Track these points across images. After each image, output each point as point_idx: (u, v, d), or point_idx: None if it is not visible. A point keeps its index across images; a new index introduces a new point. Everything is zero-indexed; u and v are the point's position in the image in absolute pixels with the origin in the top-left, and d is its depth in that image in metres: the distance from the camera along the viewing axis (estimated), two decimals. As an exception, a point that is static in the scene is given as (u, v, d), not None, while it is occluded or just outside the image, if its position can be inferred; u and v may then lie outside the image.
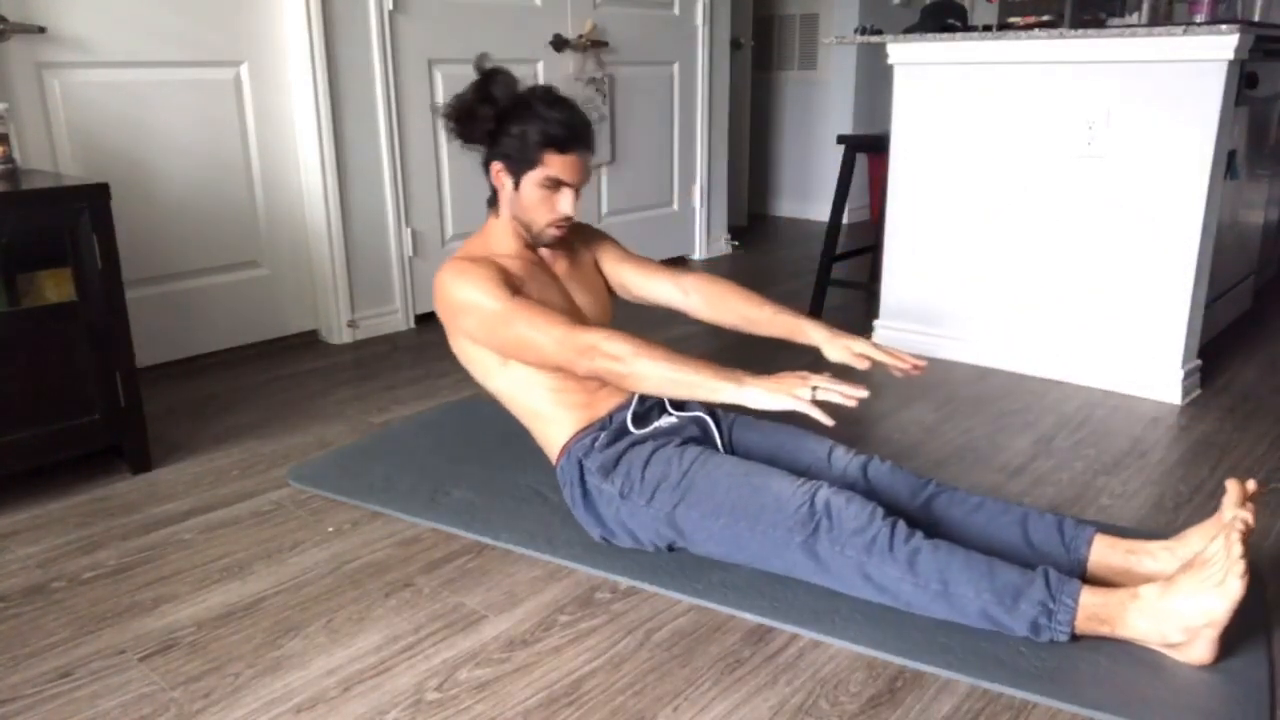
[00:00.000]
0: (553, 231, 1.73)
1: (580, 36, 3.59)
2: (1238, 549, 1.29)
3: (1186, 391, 2.48)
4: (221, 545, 1.77)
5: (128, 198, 2.64)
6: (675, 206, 4.22)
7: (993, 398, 2.52)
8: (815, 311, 3.40)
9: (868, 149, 3.34)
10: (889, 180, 2.88)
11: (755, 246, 4.68)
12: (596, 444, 1.70)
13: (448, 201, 3.31)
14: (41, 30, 2.40)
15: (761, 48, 5.41)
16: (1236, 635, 1.44)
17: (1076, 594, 1.38)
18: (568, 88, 3.57)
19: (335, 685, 1.37)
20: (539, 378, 1.73)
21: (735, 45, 4.78)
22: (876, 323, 2.99)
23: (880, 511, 1.49)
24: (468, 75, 1.73)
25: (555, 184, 1.68)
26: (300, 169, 2.98)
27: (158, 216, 2.71)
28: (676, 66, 4.06)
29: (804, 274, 4.01)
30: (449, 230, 3.34)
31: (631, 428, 1.74)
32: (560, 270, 1.84)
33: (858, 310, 3.44)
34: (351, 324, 3.09)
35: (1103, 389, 2.57)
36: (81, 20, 2.48)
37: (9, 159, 2.01)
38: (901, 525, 1.48)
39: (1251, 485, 1.44)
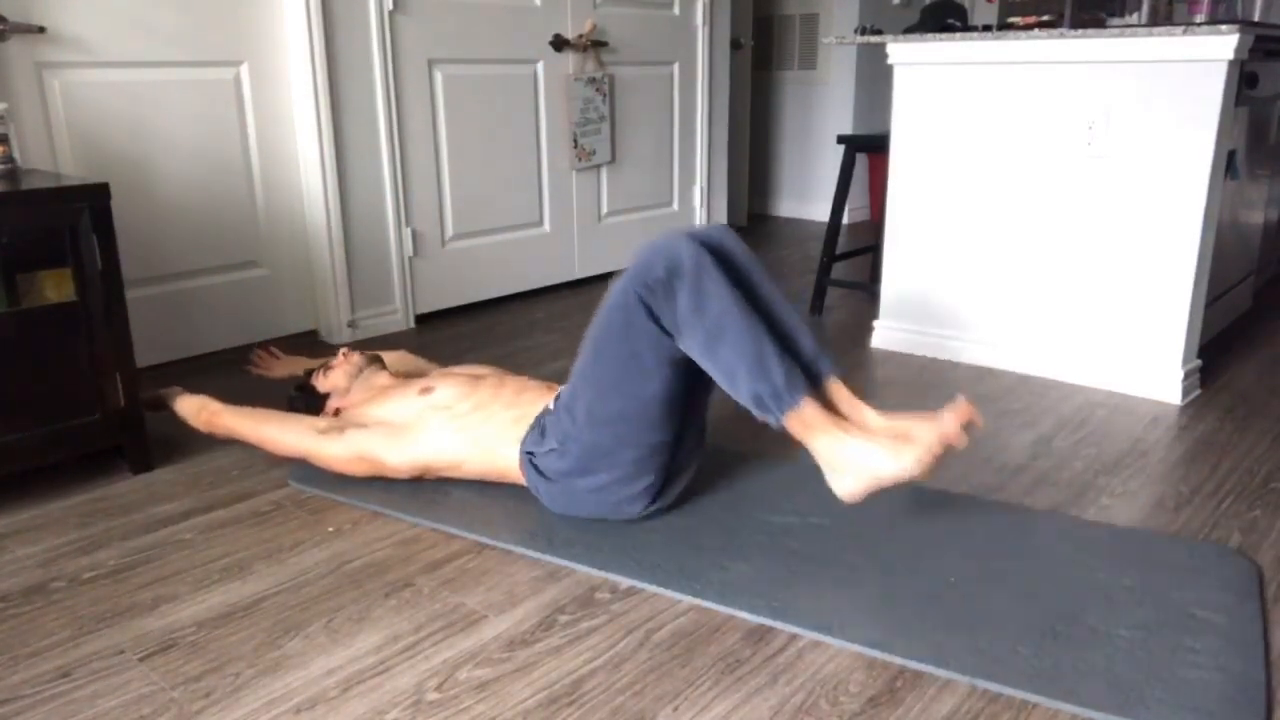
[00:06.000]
0: (344, 370, 2.18)
1: (580, 36, 3.59)
2: (933, 441, 1.53)
3: (1186, 391, 2.48)
4: (221, 545, 1.77)
5: (128, 198, 2.64)
6: (675, 206, 4.22)
7: (993, 398, 2.52)
8: (816, 311, 3.40)
9: (868, 149, 3.35)
10: (889, 180, 2.88)
11: (755, 246, 4.68)
12: (533, 440, 1.82)
13: (448, 201, 3.31)
14: (41, 30, 2.40)
15: (761, 48, 5.41)
16: (1236, 635, 1.45)
17: (802, 397, 1.60)
18: (568, 88, 3.58)
19: (335, 685, 1.37)
20: (446, 413, 1.91)
21: (735, 45, 4.78)
22: (876, 323, 2.99)
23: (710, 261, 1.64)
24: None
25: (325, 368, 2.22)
26: (300, 169, 2.98)
27: (158, 216, 2.71)
28: (676, 66, 4.06)
29: (804, 274, 4.01)
30: (449, 230, 3.34)
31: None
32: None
33: (858, 310, 3.44)
34: (351, 324, 3.09)
35: (1103, 389, 2.57)
36: (81, 20, 2.48)
37: (9, 159, 2.01)
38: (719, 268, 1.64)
39: (977, 419, 1.58)
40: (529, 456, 1.82)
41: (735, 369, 1.59)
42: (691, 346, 1.62)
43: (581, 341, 1.75)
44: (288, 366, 2.51)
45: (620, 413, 1.70)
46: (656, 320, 1.63)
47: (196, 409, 2.12)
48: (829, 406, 1.69)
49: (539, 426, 1.82)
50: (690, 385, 1.73)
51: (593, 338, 1.72)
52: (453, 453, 1.88)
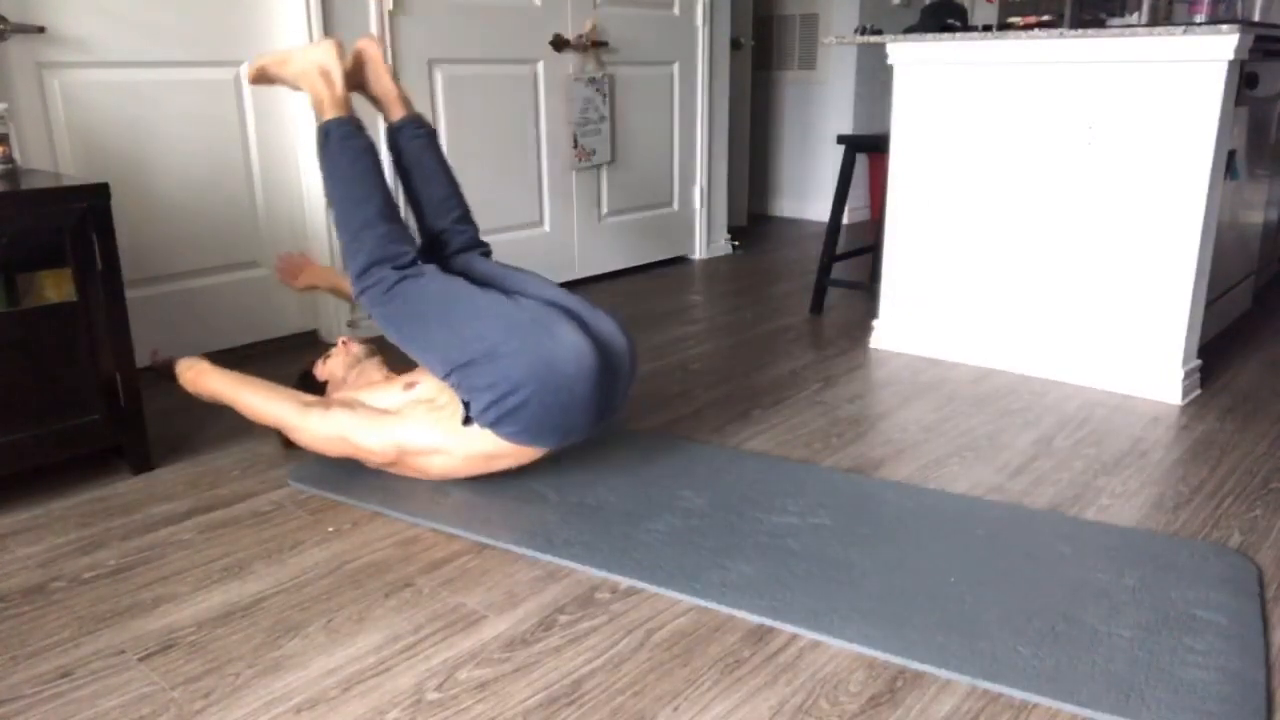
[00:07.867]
0: (342, 360, 2.24)
1: (580, 36, 3.59)
2: None
3: (1186, 391, 2.48)
4: (221, 545, 1.77)
5: (128, 198, 2.64)
6: (675, 206, 4.22)
7: (993, 398, 2.52)
8: (816, 311, 3.40)
9: (868, 149, 3.35)
10: (889, 180, 2.88)
11: (755, 246, 4.68)
12: (471, 413, 1.88)
13: (448, 201, 3.31)
14: (41, 30, 2.40)
15: (761, 48, 5.41)
16: (1236, 635, 1.45)
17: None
18: (568, 88, 3.58)
19: (335, 685, 1.37)
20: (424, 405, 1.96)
21: (735, 45, 4.78)
22: (876, 323, 2.99)
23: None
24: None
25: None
26: (300, 169, 2.98)
27: (158, 216, 2.71)
28: (676, 66, 4.06)
29: (804, 274, 4.01)
30: (449, 230, 3.34)
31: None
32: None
33: (858, 310, 3.44)
34: (351, 324, 3.09)
35: (1103, 389, 2.57)
36: (81, 20, 2.48)
37: (9, 159, 2.01)
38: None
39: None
40: (480, 424, 1.86)
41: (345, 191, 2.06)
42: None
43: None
44: (311, 277, 2.54)
45: (474, 336, 1.84)
46: (397, 286, 1.93)
47: (186, 368, 2.11)
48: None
49: (465, 409, 1.88)
50: (467, 271, 2.03)
51: (406, 342, 1.92)
52: (431, 441, 1.89)
